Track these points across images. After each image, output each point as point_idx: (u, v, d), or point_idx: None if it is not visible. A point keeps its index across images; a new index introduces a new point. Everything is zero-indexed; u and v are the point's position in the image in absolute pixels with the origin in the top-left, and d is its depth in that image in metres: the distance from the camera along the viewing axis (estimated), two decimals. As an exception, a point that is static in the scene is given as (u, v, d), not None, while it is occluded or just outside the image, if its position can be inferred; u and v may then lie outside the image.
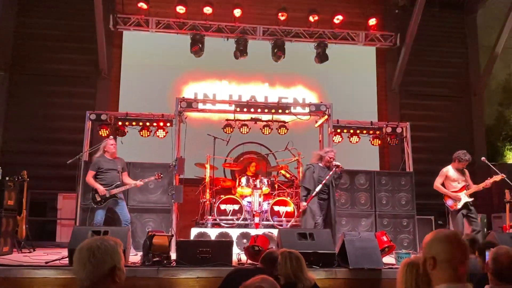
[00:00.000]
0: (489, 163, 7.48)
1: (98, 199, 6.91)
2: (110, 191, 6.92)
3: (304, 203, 6.78)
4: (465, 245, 1.88)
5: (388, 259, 6.24)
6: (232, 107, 8.66)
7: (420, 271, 2.61)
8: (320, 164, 6.98)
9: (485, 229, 8.93)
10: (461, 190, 7.07)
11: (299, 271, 3.55)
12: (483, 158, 7.61)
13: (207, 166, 8.40)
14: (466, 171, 7.26)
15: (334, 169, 6.80)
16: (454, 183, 7.15)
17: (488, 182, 6.96)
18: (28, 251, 6.86)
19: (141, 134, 8.71)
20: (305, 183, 6.95)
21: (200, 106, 8.64)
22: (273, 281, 1.71)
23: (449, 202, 7.13)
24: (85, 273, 1.83)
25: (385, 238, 6.34)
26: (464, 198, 7.02)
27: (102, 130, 8.55)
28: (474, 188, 7.07)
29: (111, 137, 7.81)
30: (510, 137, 12.26)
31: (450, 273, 1.82)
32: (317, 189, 6.73)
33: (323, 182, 6.75)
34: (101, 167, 7.03)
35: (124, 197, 7.37)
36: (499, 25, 11.33)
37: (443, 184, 7.23)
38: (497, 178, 6.97)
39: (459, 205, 7.01)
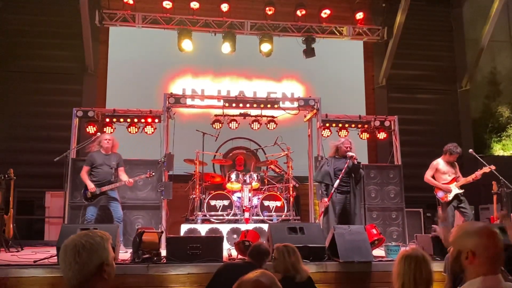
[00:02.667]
0: (476, 155, 7.54)
1: (89, 196, 6.84)
2: (101, 188, 6.84)
3: (326, 199, 6.53)
4: (501, 238, 1.90)
5: (378, 252, 6.29)
6: (221, 103, 8.63)
7: (420, 264, 2.63)
8: (337, 156, 6.78)
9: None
10: (451, 182, 7.13)
11: (297, 263, 3.58)
12: (470, 150, 7.67)
13: (196, 162, 8.37)
14: (456, 164, 7.32)
15: (348, 160, 6.56)
16: (444, 176, 7.20)
17: (478, 173, 7.01)
18: (16, 250, 6.78)
19: (129, 130, 8.63)
20: (318, 177, 6.75)
21: (189, 101, 8.59)
22: (271, 275, 1.70)
23: (439, 194, 7.18)
24: (72, 273, 1.78)
25: (374, 231, 6.38)
26: (455, 189, 7.07)
27: (89, 127, 8.46)
28: (463, 180, 7.12)
29: (108, 132, 7.70)
30: (497, 130, 12.40)
31: (487, 266, 1.84)
32: (335, 184, 6.47)
33: (340, 176, 6.48)
34: (94, 162, 6.96)
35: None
36: (485, 18, 11.42)
37: (433, 177, 7.28)
38: (486, 169, 7.02)
39: (450, 197, 7.06)
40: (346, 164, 6.57)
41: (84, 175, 6.93)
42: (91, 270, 1.79)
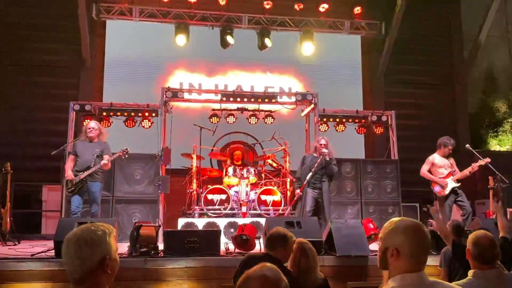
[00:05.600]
0: (473, 150, 7.57)
1: (69, 185, 6.55)
2: (79, 175, 6.45)
3: (298, 191, 6.95)
4: (429, 237, 1.87)
5: (375, 246, 6.31)
6: (218, 97, 8.64)
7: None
8: (315, 154, 7.02)
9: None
10: (447, 176, 7.15)
11: (308, 268, 3.53)
12: (467, 145, 7.69)
13: (194, 156, 8.37)
14: (452, 158, 7.34)
15: (321, 157, 6.85)
16: (440, 170, 7.22)
17: (474, 166, 7.03)
18: (13, 243, 6.78)
19: (126, 124, 8.61)
20: (296, 173, 7.19)
21: (186, 96, 8.58)
22: (276, 268, 1.70)
23: (436, 188, 7.20)
24: (74, 268, 1.78)
25: (371, 225, 6.42)
26: (451, 183, 7.09)
27: (86, 120, 8.41)
28: (460, 174, 7.15)
29: (93, 121, 7.23)
30: (493, 125, 12.43)
31: (410, 264, 1.82)
32: (308, 177, 6.79)
33: (313, 169, 6.81)
34: (75, 150, 6.69)
35: (108, 186, 7.21)
36: (483, 13, 11.43)
37: (430, 172, 7.30)
38: (482, 162, 7.05)
39: (447, 191, 7.08)
40: (319, 159, 6.84)
41: (67, 164, 6.68)
42: (93, 265, 1.78)
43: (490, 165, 7.09)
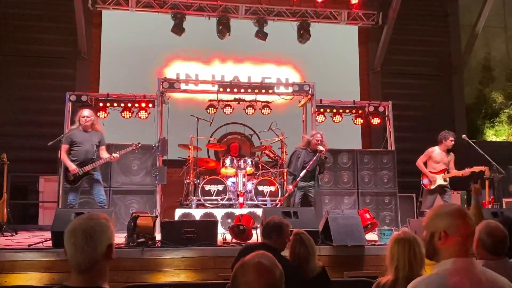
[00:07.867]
0: (469, 141, 7.59)
1: (71, 178, 6.40)
2: (84, 168, 6.36)
3: (290, 187, 6.87)
4: (472, 219, 1.91)
5: (371, 236, 6.35)
6: (215, 88, 8.60)
7: (413, 246, 2.67)
8: (308, 149, 6.95)
9: (465, 205, 9.11)
10: (439, 172, 7.23)
11: (306, 258, 3.54)
12: (464, 135, 7.71)
13: (191, 147, 8.36)
14: (452, 155, 7.35)
15: (317, 154, 6.77)
16: (435, 165, 7.30)
17: (467, 170, 7.10)
18: (10, 234, 6.78)
19: (123, 115, 8.61)
20: (290, 168, 7.04)
21: (183, 86, 8.54)
22: (271, 256, 1.71)
23: (424, 181, 7.36)
24: (83, 257, 1.78)
25: (367, 216, 6.45)
26: (439, 180, 7.22)
27: (83, 110, 8.40)
28: (453, 173, 7.21)
29: (87, 110, 6.92)
30: (490, 115, 12.46)
31: (459, 247, 1.84)
32: (301, 174, 6.76)
33: (307, 168, 6.75)
34: (74, 140, 6.45)
35: (105, 177, 7.20)
36: (480, 3, 11.40)
37: (426, 164, 7.35)
38: (476, 169, 7.09)
39: (433, 186, 7.20)
40: (315, 157, 6.78)
41: (64, 155, 6.41)
42: (101, 252, 1.81)
43: (489, 169, 7.11)
